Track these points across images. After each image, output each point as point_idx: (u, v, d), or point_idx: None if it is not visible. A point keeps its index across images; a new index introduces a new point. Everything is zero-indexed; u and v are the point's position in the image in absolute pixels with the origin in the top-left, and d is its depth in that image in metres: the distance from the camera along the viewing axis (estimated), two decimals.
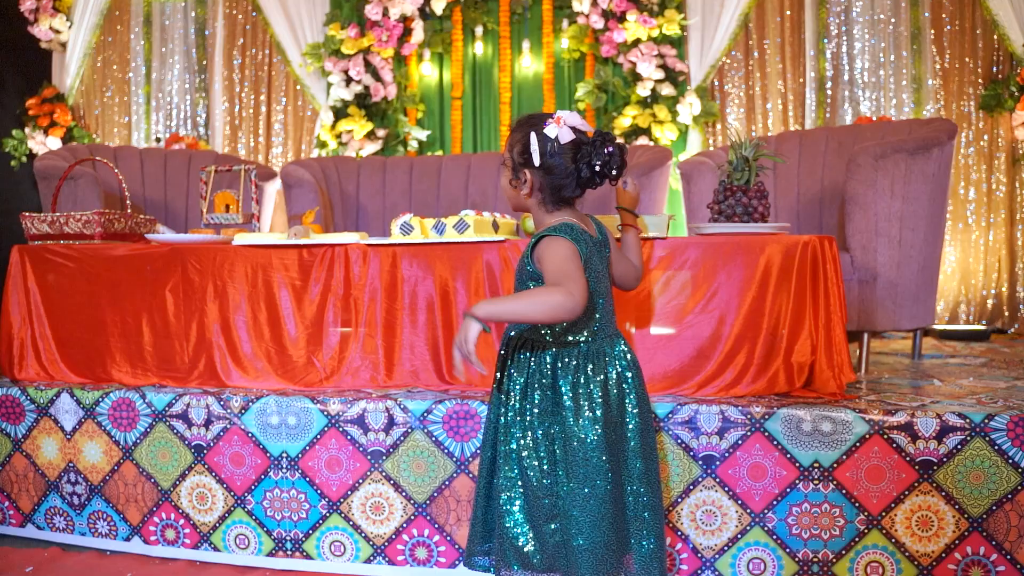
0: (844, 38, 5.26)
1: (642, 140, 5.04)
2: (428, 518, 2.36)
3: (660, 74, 5.08)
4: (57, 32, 5.99)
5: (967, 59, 5.09)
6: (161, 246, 2.81)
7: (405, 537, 2.38)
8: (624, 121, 5.09)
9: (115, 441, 2.60)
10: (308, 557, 2.46)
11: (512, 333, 1.87)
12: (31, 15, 5.93)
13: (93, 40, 6.10)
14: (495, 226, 2.64)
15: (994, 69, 5.08)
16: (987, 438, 2.11)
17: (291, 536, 2.46)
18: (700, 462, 2.23)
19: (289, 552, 2.47)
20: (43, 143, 5.86)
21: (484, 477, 1.89)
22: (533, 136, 1.76)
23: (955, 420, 2.12)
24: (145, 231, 3.10)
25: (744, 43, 5.38)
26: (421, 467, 2.36)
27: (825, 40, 5.28)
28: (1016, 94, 4.91)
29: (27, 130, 5.94)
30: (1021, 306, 5.06)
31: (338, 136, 5.45)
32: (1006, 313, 5.07)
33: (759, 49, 5.36)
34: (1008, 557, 2.11)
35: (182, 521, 2.56)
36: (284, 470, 2.45)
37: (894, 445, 2.14)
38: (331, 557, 2.44)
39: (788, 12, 5.31)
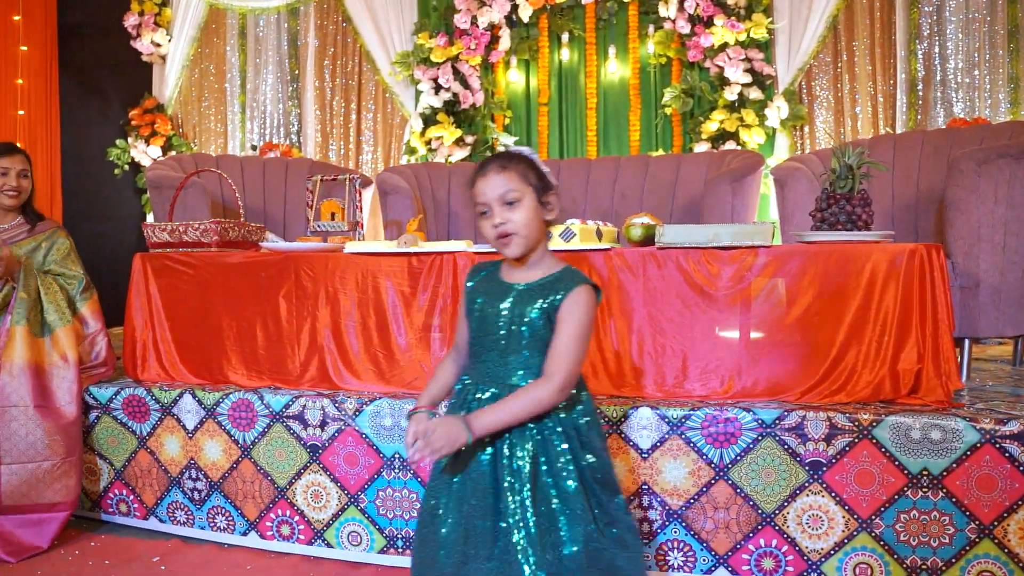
0: (937, 38, 5.16)
1: (729, 144, 5.03)
2: None
3: (747, 78, 5.07)
4: (157, 45, 6.26)
5: None
6: (274, 254, 2.94)
7: None
8: (711, 126, 5.09)
9: (234, 440, 2.73)
10: None
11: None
12: (134, 30, 6.21)
13: (191, 53, 6.35)
14: (599, 234, 2.70)
15: None
16: None
17: (402, 534, 2.56)
18: (807, 467, 2.26)
19: (400, 550, 2.57)
20: (144, 152, 6.13)
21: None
22: (535, 159, 1.74)
23: None
24: (256, 239, 3.25)
25: (833, 45, 5.33)
26: None
27: (917, 41, 5.19)
28: None
29: (129, 140, 6.22)
30: None
31: (427, 143, 5.57)
32: None
33: (848, 51, 5.30)
34: None
35: (297, 518, 2.67)
36: (396, 470, 2.55)
37: (1007, 454, 2.13)
38: None
39: (878, 13, 5.24)
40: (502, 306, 1.72)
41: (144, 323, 3.03)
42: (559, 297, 1.69)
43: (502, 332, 1.72)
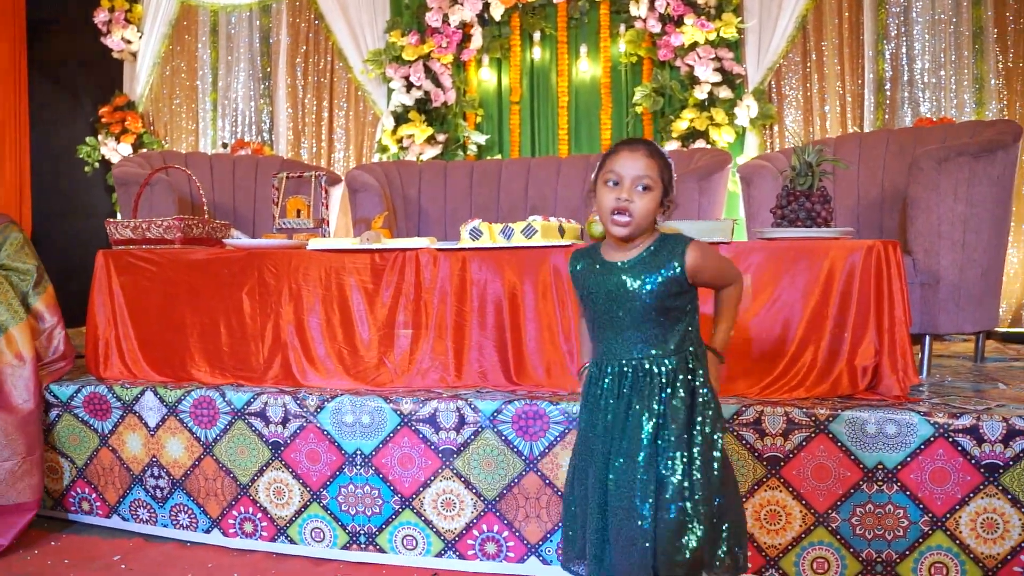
0: (904, 39, 5.21)
1: (699, 143, 5.06)
2: (498, 515, 2.44)
3: (717, 77, 5.09)
4: (128, 42, 6.21)
5: None
6: (238, 250, 2.93)
7: (475, 532, 2.47)
8: (681, 124, 5.11)
9: (196, 437, 2.72)
10: (381, 550, 2.55)
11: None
12: (104, 26, 6.15)
13: (162, 50, 6.30)
14: (561, 231, 2.71)
15: None
16: None
17: (365, 530, 2.56)
18: (765, 463, 2.28)
19: (363, 545, 2.57)
20: (115, 150, 6.07)
21: None
22: (671, 161, 1.80)
23: (1021, 424, 2.14)
24: (221, 236, 3.23)
25: (802, 45, 5.37)
26: (490, 465, 2.44)
27: (884, 41, 5.24)
28: None
29: (100, 137, 6.16)
30: None
31: (399, 141, 5.56)
32: None
33: (817, 51, 5.34)
34: None
35: (260, 515, 2.67)
36: (358, 467, 2.55)
37: (959, 448, 2.16)
38: (403, 550, 2.53)
39: (846, 13, 5.28)
40: (612, 285, 1.75)
41: (107, 320, 3.01)
42: (677, 266, 1.72)
43: (617, 311, 1.75)
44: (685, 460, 1.68)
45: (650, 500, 1.66)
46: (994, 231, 3.20)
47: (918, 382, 2.70)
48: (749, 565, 1.90)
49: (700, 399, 1.72)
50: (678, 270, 1.71)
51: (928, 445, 2.18)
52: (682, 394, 1.71)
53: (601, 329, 1.78)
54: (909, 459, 2.19)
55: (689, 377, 1.73)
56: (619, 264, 1.75)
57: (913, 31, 5.18)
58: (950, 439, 2.17)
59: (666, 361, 1.73)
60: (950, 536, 2.18)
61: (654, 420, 1.70)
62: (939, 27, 5.12)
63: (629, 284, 1.73)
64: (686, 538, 1.65)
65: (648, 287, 1.72)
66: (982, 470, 2.15)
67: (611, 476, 1.70)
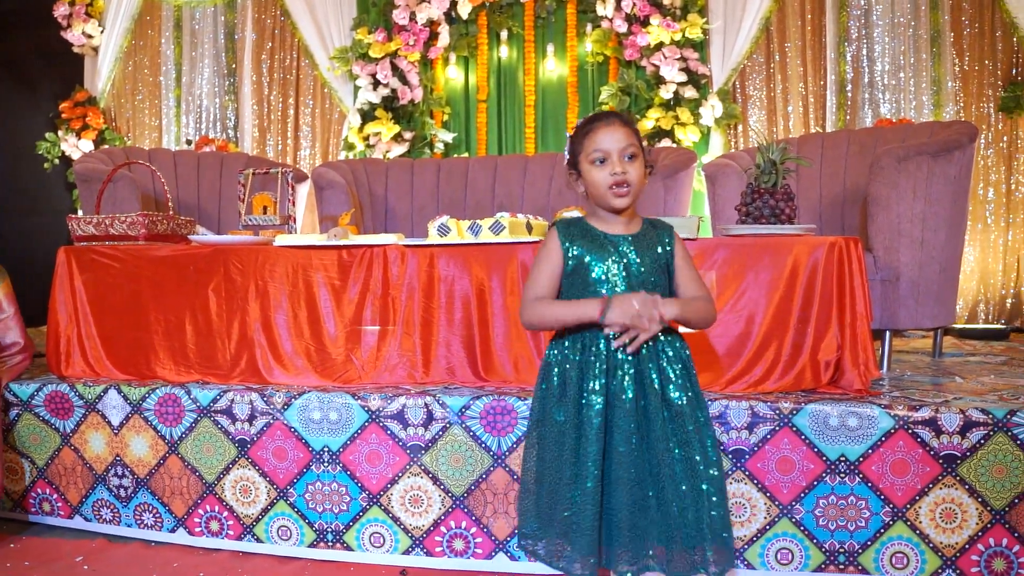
0: (864, 41, 5.31)
1: (665, 142, 5.10)
2: (466, 510, 2.45)
3: (683, 77, 5.15)
4: (89, 37, 6.12)
5: (986, 61, 5.13)
6: (203, 247, 2.90)
7: (443, 529, 2.47)
8: (647, 123, 5.16)
9: (161, 436, 2.69)
10: (348, 548, 2.55)
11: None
12: (64, 20, 6.06)
13: (124, 44, 6.22)
14: (529, 227, 2.72)
15: (1013, 71, 5.11)
16: (1009, 433, 2.17)
17: (332, 528, 2.55)
18: (730, 456, 2.31)
19: (330, 543, 2.56)
20: (76, 146, 5.98)
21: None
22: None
23: (978, 416, 2.19)
24: (186, 232, 3.20)
25: (765, 47, 5.44)
26: (459, 461, 2.45)
27: (846, 43, 5.33)
28: None
29: (60, 133, 6.07)
30: None
31: (366, 139, 5.54)
32: None
33: (780, 52, 5.41)
34: None
35: (226, 513, 2.65)
36: (326, 464, 2.54)
37: (918, 440, 2.21)
38: (371, 548, 2.53)
39: (809, 16, 5.36)
40: (619, 257, 1.80)
41: (68, 318, 2.97)
42: (669, 246, 1.85)
43: (635, 278, 1.80)
44: (709, 436, 1.81)
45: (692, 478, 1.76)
46: (951, 229, 3.26)
47: (879, 376, 2.76)
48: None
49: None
50: (668, 248, 1.84)
51: (889, 437, 2.22)
52: (687, 371, 1.82)
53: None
54: (870, 451, 2.23)
55: (683, 354, 1.84)
56: (628, 236, 1.82)
57: (873, 34, 5.27)
58: (910, 431, 2.21)
59: (665, 334, 1.81)
60: (910, 526, 2.22)
61: (679, 393, 1.79)
62: (898, 30, 5.22)
63: (644, 254, 1.81)
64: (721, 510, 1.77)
65: (655, 257, 1.82)
66: (941, 461, 2.20)
67: (669, 447, 1.76)
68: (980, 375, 2.94)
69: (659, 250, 1.83)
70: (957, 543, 2.21)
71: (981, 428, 2.18)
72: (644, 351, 1.77)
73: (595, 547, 1.76)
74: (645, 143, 1.86)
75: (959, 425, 2.19)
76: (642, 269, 1.80)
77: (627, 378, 1.77)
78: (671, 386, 1.78)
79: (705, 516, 1.74)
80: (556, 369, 1.83)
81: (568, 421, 1.79)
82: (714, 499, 1.76)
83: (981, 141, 5.12)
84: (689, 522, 1.74)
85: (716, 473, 1.78)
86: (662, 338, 1.80)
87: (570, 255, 1.82)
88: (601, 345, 1.78)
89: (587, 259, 1.81)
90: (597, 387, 1.77)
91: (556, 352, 1.85)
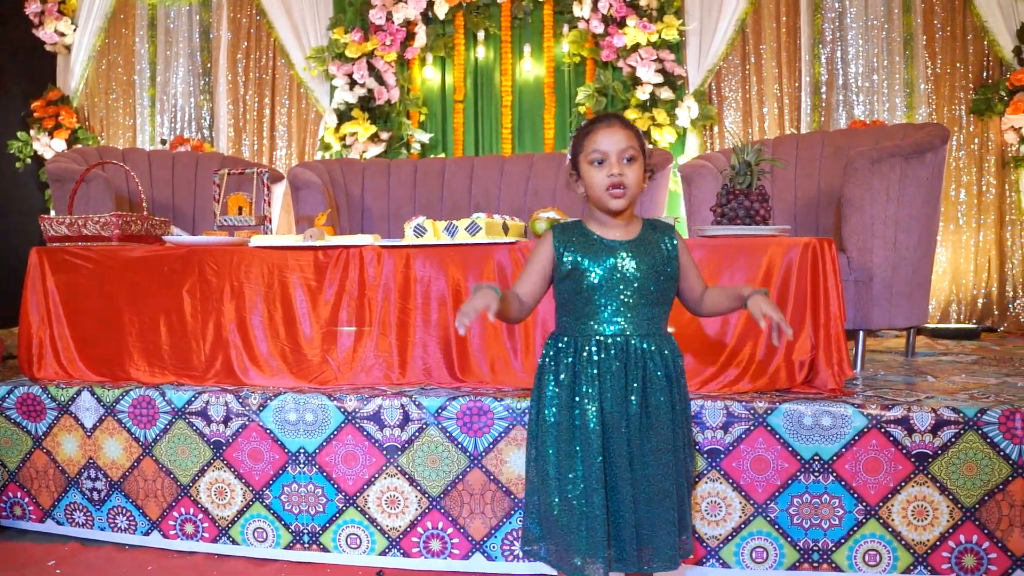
0: (839, 43, 5.36)
1: None
2: (442, 511, 2.44)
3: (659, 78, 5.17)
4: (62, 35, 6.06)
5: (958, 64, 5.20)
6: (178, 248, 2.88)
7: (420, 530, 2.47)
8: None
9: (135, 438, 2.67)
10: (325, 550, 2.54)
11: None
12: (36, 18, 6.00)
13: (98, 43, 6.17)
14: (505, 228, 2.72)
15: (984, 74, 5.18)
16: (980, 431, 2.20)
17: (308, 529, 2.54)
18: (705, 455, 2.32)
19: (306, 545, 2.55)
20: (48, 145, 5.92)
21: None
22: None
23: (949, 414, 2.22)
24: (160, 233, 3.18)
25: (741, 48, 5.48)
26: (435, 462, 2.44)
27: (820, 45, 5.38)
28: (1005, 98, 5.02)
29: (32, 132, 6.00)
30: (1010, 305, 5.17)
31: (342, 139, 5.53)
32: (996, 312, 5.18)
33: (756, 54, 5.45)
34: (999, 545, 2.20)
35: (201, 516, 2.63)
36: (302, 465, 2.53)
37: (891, 438, 2.23)
38: (347, 549, 2.52)
39: (784, 18, 5.41)
40: (616, 263, 1.82)
41: (41, 319, 2.93)
42: (673, 244, 1.87)
43: (618, 289, 1.81)
44: (686, 441, 1.88)
45: (676, 477, 1.83)
46: (924, 230, 3.30)
47: (852, 375, 2.79)
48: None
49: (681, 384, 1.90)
50: (671, 249, 1.85)
51: (862, 436, 2.25)
52: (677, 375, 1.88)
53: (600, 309, 1.83)
54: (844, 450, 2.26)
55: (675, 360, 1.88)
56: (627, 242, 1.83)
57: (848, 36, 5.33)
58: (882, 430, 2.24)
59: (657, 340, 1.85)
60: (883, 524, 2.25)
61: (669, 399, 1.83)
62: (872, 33, 5.27)
63: (642, 259, 1.82)
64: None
65: (655, 261, 1.83)
66: (913, 459, 2.23)
67: (648, 454, 1.81)
68: (952, 374, 2.97)
69: (661, 253, 1.84)
70: (928, 540, 2.23)
71: (952, 427, 2.21)
72: (636, 353, 1.82)
73: (596, 548, 1.79)
74: (649, 147, 1.86)
75: (931, 424, 2.22)
76: (638, 275, 1.82)
77: (619, 383, 1.81)
78: (658, 391, 1.82)
79: (671, 515, 1.82)
80: (549, 375, 1.86)
81: (563, 424, 1.82)
82: (681, 501, 1.86)
83: (953, 143, 5.19)
84: (659, 521, 1.80)
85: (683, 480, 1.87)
86: (654, 346, 1.84)
87: (564, 259, 1.84)
88: (594, 349, 1.82)
89: (583, 265, 1.82)
90: (590, 391, 1.80)
91: (551, 355, 1.88)
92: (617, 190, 1.79)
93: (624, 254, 1.82)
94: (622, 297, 1.81)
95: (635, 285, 1.81)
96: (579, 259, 1.82)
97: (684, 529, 1.87)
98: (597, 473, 1.78)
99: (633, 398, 1.81)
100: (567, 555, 1.81)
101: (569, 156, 1.88)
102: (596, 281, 1.81)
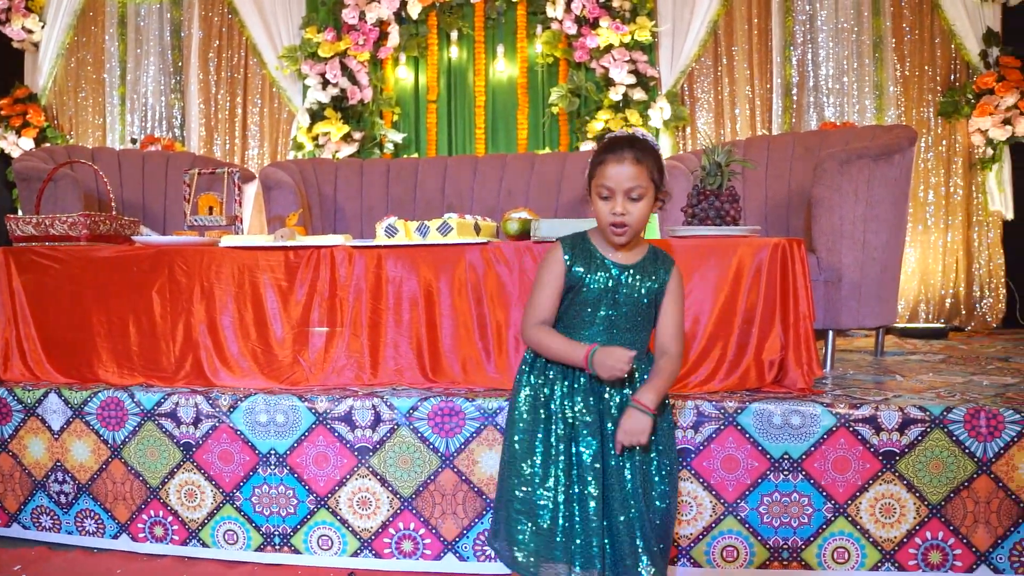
0: (809, 46, 5.41)
1: None
2: (414, 512, 2.44)
3: (632, 79, 5.19)
4: (29, 32, 5.97)
5: (926, 67, 5.27)
6: (147, 248, 2.86)
7: (391, 531, 2.46)
8: (596, 125, 5.19)
9: (103, 440, 2.64)
10: (296, 551, 2.52)
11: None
12: (3, 14, 5.91)
13: (66, 40, 6.09)
14: (477, 228, 2.72)
15: (952, 77, 5.25)
16: (945, 430, 2.23)
17: (279, 531, 2.53)
18: (677, 454, 2.33)
19: (277, 547, 2.53)
20: (15, 144, 5.84)
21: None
22: (661, 155, 1.85)
23: (916, 413, 2.25)
24: (130, 233, 3.15)
25: (713, 50, 5.51)
26: (407, 462, 2.44)
27: (791, 47, 5.42)
28: (972, 101, 5.09)
29: None
30: (977, 305, 5.24)
31: (315, 138, 5.50)
32: (963, 312, 5.25)
33: (728, 56, 5.49)
34: (964, 541, 2.23)
35: (170, 518, 2.61)
36: (272, 467, 2.52)
37: (859, 437, 2.26)
38: (319, 551, 2.51)
39: (756, 20, 5.45)
40: (615, 284, 1.85)
41: (7, 320, 2.90)
42: (665, 278, 1.88)
43: (611, 309, 1.85)
44: (668, 460, 1.90)
45: (657, 490, 1.86)
46: (892, 231, 3.34)
47: (822, 375, 2.81)
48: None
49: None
50: (665, 280, 1.87)
51: (830, 435, 2.27)
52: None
53: (585, 325, 1.86)
54: (813, 449, 2.28)
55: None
56: (626, 266, 1.86)
57: (818, 39, 5.38)
58: (851, 428, 2.26)
59: (639, 364, 1.88)
60: (851, 522, 2.27)
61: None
62: (842, 35, 5.33)
63: (635, 286, 1.85)
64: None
65: (646, 290, 1.86)
66: (880, 458, 2.25)
67: (627, 469, 1.84)
68: (919, 373, 3.01)
69: (653, 284, 1.87)
70: (896, 537, 2.26)
71: (919, 425, 2.24)
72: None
73: (540, 543, 1.82)
74: (664, 168, 1.85)
75: (898, 422, 2.24)
76: (630, 301, 1.86)
77: (592, 397, 1.85)
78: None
79: (645, 543, 1.82)
80: (526, 388, 1.90)
81: (538, 433, 1.86)
82: (656, 530, 1.85)
83: (921, 145, 5.25)
84: (628, 546, 1.81)
85: (662, 505, 1.87)
86: (636, 371, 1.88)
87: (574, 270, 1.86)
88: (567, 382, 1.87)
89: (585, 280, 1.85)
90: (567, 405, 1.85)
91: (527, 366, 1.93)
92: (618, 228, 1.80)
93: (622, 277, 1.85)
94: (612, 317, 1.85)
95: (624, 309, 1.86)
96: (582, 273, 1.86)
97: (654, 560, 1.82)
98: (563, 481, 1.83)
99: (612, 412, 1.85)
100: (510, 549, 1.86)
101: (586, 175, 1.88)
102: (589, 297, 1.85)
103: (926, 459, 2.24)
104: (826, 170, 3.20)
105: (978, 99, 5.05)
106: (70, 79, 6.15)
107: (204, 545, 2.59)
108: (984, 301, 5.23)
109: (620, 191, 1.78)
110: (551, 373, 1.88)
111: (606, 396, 1.86)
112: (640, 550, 1.80)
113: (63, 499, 2.69)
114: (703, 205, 2.67)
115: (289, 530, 2.52)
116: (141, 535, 2.64)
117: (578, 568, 1.80)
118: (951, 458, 2.23)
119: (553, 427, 1.85)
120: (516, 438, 1.88)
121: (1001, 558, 2.24)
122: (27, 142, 5.83)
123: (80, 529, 2.69)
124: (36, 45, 6.07)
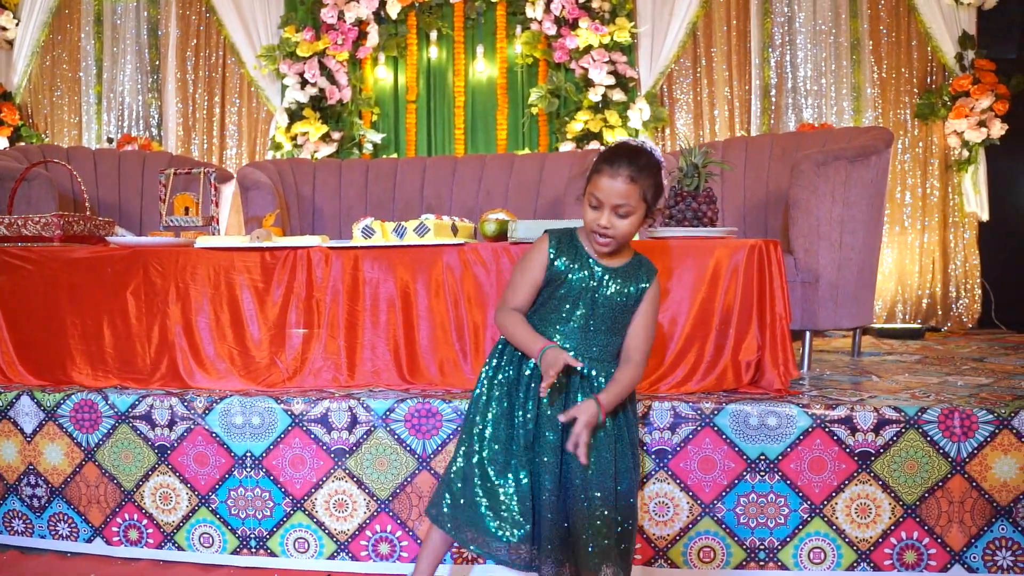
0: (788, 47, 5.44)
1: (593, 144, 5.15)
2: (391, 514, 2.43)
3: (611, 80, 5.20)
4: (4, 29, 5.91)
5: (903, 69, 5.31)
6: (122, 248, 2.83)
7: (368, 533, 2.45)
8: (576, 126, 5.20)
9: (77, 443, 2.61)
10: (272, 554, 2.51)
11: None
12: None
13: (42, 38, 6.03)
14: (454, 229, 2.72)
15: (928, 79, 5.30)
16: (920, 430, 2.25)
17: (255, 534, 2.51)
18: (653, 456, 2.34)
19: (253, 550, 2.52)
20: None
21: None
22: (664, 178, 1.86)
23: (891, 413, 2.26)
24: (104, 233, 3.12)
25: (692, 51, 5.53)
26: (384, 464, 2.43)
27: (770, 49, 5.45)
28: (948, 103, 5.14)
29: None
30: (953, 305, 5.29)
31: (293, 138, 5.47)
32: (940, 312, 5.30)
33: (707, 57, 5.51)
34: (939, 541, 2.25)
35: (145, 521, 2.58)
36: (248, 469, 2.50)
37: (835, 437, 2.27)
38: (295, 554, 2.50)
39: (735, 21, 5.47)
40: (595, 286, 1.86)
41: None
42: (644, 286, 1.89)
43: (590, 310, 1.86)
44: (631, 455, 1.89)
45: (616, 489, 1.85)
46: (868, 232, 3.36)
47: (798, 376, 2.83)
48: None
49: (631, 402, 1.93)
50: (644, 288, 1.88)
51: (807, 436, 2.28)
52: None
53: (561, 321, 1.87)
54: (789, 449, 2.29)
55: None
56: (609, 268, 1.87)
57: (797, 40, 5.41)
58: (827, 429, 2.27)
59: (606, 366, 1.89)
60: (827, 522, 2.28)
61: (614, 424, 1.87)
62: (820, 37, 5.36)
63: (615, 289, 1.86)
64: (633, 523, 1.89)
65: (626, 295, 1.86)
66: (856, 458, 2.26)
67: (591, 470, 1.83)
68: (895, 374, 3.03)
69: (632, 289, 1.87)
70: (871, 537, 2.27)
71: (894, 425, 2.25)
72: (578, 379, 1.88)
73: (479, 521, 1.86)
74: (664, 184, 1.86)
75: (873, 423, 2.26)
76: (608, 304, 1.86)
77: (559, 395, 1.87)
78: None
79: (608, 542, 1.82)
80: (485, 386, 1.93)
81: (492, 399, 1.91)
82: (619, 529, 1.85)
83: (898, 146, 5.29)
84: (591, 544, 1.81)
85: (623, 504, 1.87)
86: (603, 374, 1.88)
87: (555, 264, 1.87)
88: (531, 365, 1.87)
89: (567, 276, 1.86)
90: (529, 405, 1.87)
91: (492, 365, 1.95)
92: (602, 238, 1.81)
93: (604, 278, 1.86)
94: (588, 317, 1.86)
95: (601, 311, 1.86)
96: (566, 270, 1.86)
97: (611, 561, 1.82)
98: (524, 471, 1.86)
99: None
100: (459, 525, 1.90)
101: (585, 176, 1.89)
102: (569, 293, 1.86)
103: (901, 459, 2.26)
104: (803, 171, 3.21)
105: (954, 101, 5.10)
106: (45, 77, 6.09)
107: (179, 548, 2.57)
108: (960, 302, 5.28)
109: (608, 205, 1.78)
110: (518, 357, 1.91)
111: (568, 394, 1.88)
112: (592, 547, 1.82)
113: (36, 503, 2.66)
114: (680, 206, 2.67)
115: (265, 533, 2.50)
116: (116, 539, 2.61)
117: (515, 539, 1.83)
118: (926, 458, 2.25)
119: (512, 401, 1.89)
120: (472, 409, 1.93)
121: (975, 557, 2.26)
122: (1, 141, 5.77)
123: (53, 533, 2.66)
124: (10, 43, 6.00)
